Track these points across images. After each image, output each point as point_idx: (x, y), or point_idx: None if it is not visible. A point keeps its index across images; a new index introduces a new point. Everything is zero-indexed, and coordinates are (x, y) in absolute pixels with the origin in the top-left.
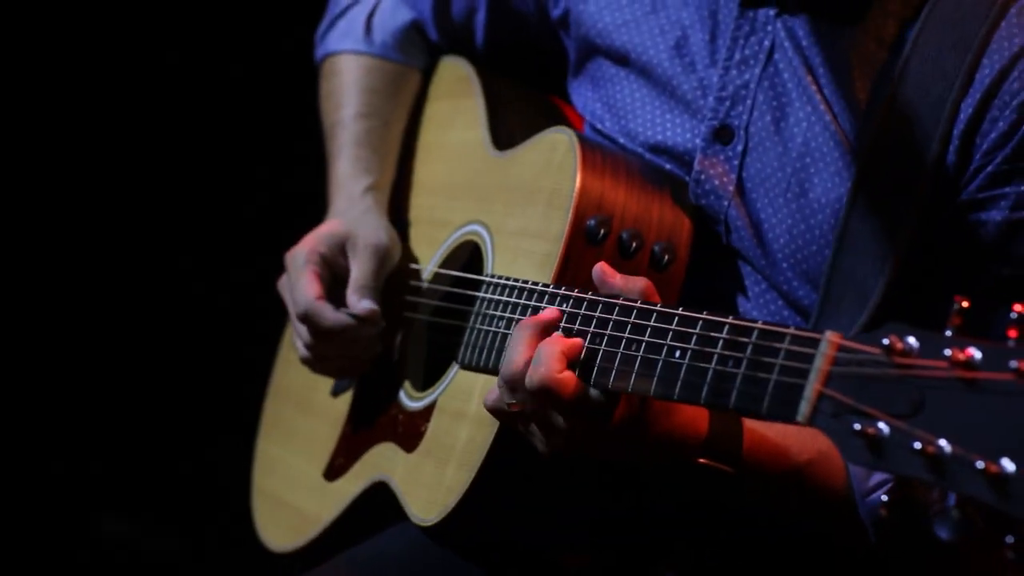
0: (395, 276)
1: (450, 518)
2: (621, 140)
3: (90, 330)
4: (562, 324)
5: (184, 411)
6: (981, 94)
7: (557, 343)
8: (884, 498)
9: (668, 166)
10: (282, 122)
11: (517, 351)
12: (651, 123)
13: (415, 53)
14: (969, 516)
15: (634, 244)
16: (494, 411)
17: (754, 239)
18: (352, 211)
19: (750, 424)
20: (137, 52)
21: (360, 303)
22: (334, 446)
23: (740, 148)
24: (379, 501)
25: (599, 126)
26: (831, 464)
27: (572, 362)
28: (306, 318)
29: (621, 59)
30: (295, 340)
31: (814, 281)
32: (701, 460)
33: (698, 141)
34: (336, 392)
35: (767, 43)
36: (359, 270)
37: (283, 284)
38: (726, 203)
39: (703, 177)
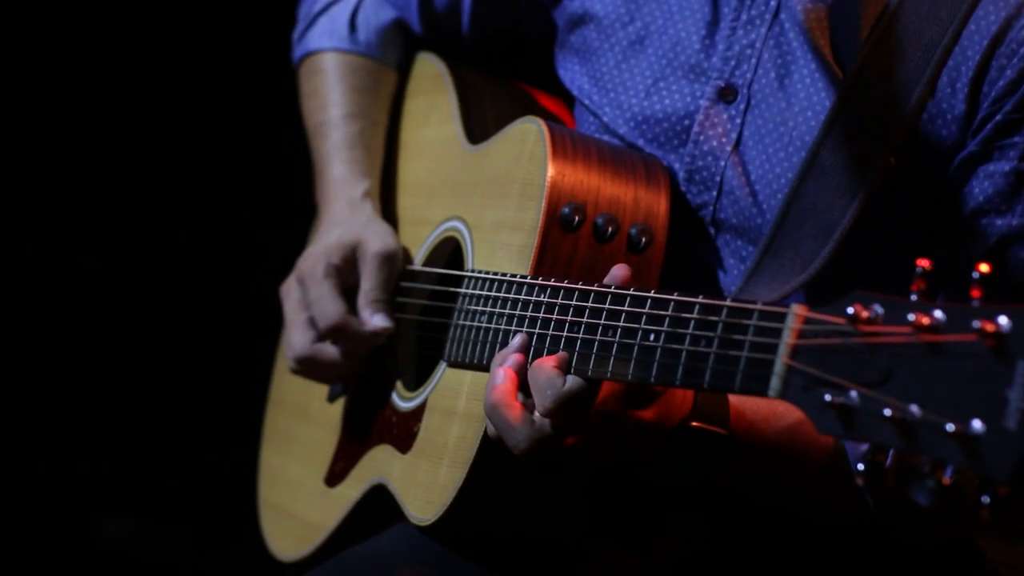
0: None
1: (447, 516)
2: (607, 111)
3: (90, 330)
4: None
5: (185, 411)
6: (988, 41)
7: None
8: (860, 467)
9: (661, 138)
10: (284, 123)
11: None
12: (645, 92)
13: (395, 52)
14: (942, 480)
15: (610, 229)
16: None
17: (749, 198)
18: (356, 218)
19: (736, 396)
20: (133, 52)
21: (373, 318)
22: (333, 452)
23: (743, 106)
24: (380, 503)
25: (586, 101)
26: None
27: (552, 351)
28: (333, 334)
29: (614, 29)
30: (287, 348)
31: None
32: (694, 423)
33: (701, 102)
34: (332, 398)
35: (773, 3)
36: (369, 281)
37: (289, 292)
38: (723, 163)
39: (702, 138)
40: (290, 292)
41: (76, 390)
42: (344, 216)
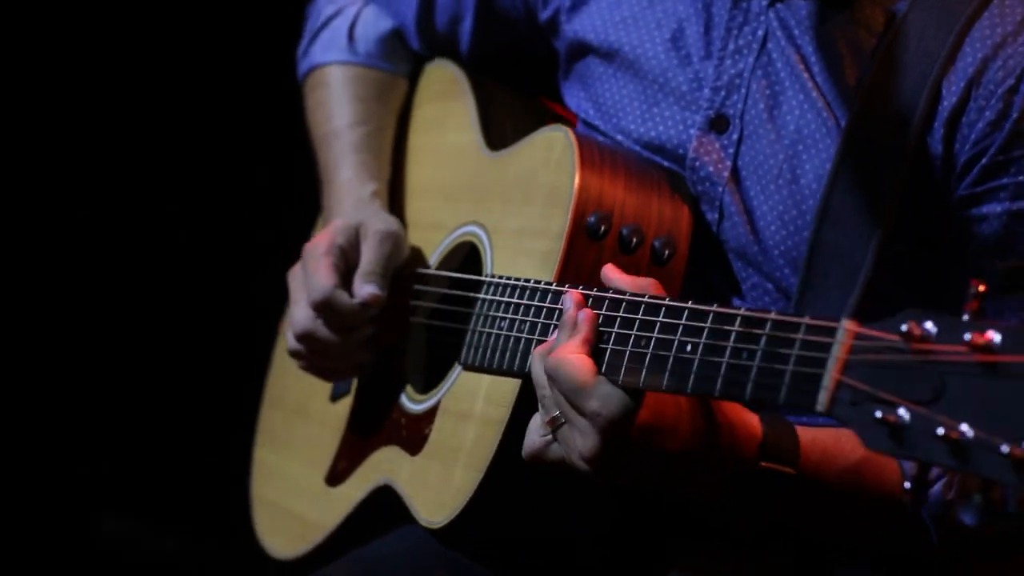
0: (395, 279)
1: (459, 519)
2: (616, 137)
3: (90, 330)
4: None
5: (185, 411)
6: (964, 82)
7: (570, 330)
8: (907, 486)
9: (664, 163)
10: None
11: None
12: (642, 119)
13: (398, 60)
14: (993, 501)
15: (635, 240)
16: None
17: (747, 226)
18: (363, 211)
19: (800, 426)
20: (130, 52)
21: (364, 288)
22: (335, 451)
23: (735, 136)
24: (383, 505)
25: (596, 125)
26: (885, 461)
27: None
28: (322, 306)
29: (610, 56)
30: (287, 333)
31: None
32: (764, 464)
33: (692, 131)
34: (335, 397)
35: (760, 32)
36: (367, 255)
37: (295, 274)
38: (720, 189)
39: (698, 164)
40: (295, 274)
41: (76, 390)
42: (351, 211)
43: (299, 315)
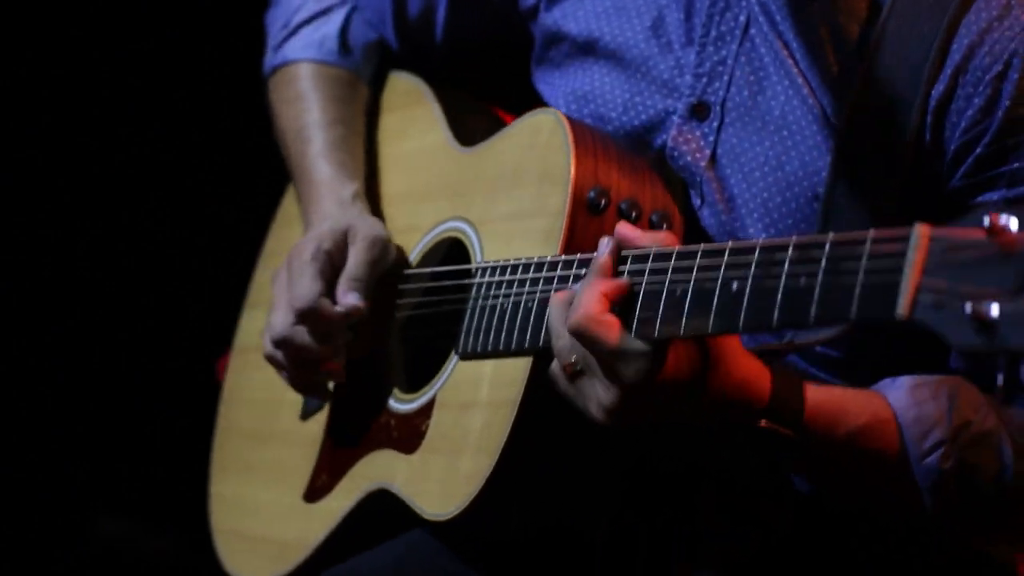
0: (376, 284)
1: (472, 507)
2: (592, 124)
3: (90, 330)
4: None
5: (185, 411)
6: (952, 69)
7: (597, 284)
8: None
9: (644, 150)
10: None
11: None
12: (623, 107)
13: (371, 68)
14: None
15: (634, 213)
16: (552, 377)
17: (727, 214)
18: (347, 212)
19: (811, 387)
20: (130, 53)
21: (346, 297)
22: (313, 467)
23: (716, 124)
24: (376, 511)
25: (570, 115)
26: (886, 428)
27: (614, 306)
28: (305, 314)
29: (591, 45)
30: (267, 330)
31: None
32: (763, 423)
33: (674, 119)
34: (306, 415)
35: (742, 18)
36: (353, 260)
37: (279, 278)
38: (699, 177)
39: (676, 153)
40: (279, 277)
41: (76, 390)
42: (335, 211)
43: (279, 320)
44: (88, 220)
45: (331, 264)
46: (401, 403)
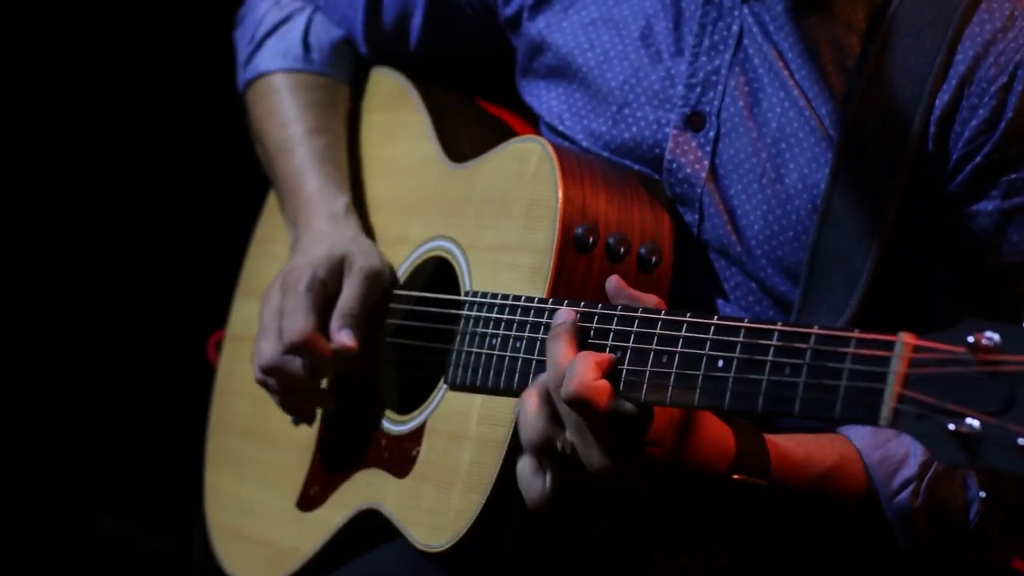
0: None
1: (462, 542)
2: (581, 139)
3: (90, 330)
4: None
5: (184, 411)
6: (956, 80)
7: (589, 354)
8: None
9: (636, 166)
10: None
11: (558, 361)
12: (613, 120)
13: (346, 67)
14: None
15: (622, 249)
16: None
17: (728, 226)
18: (343, 233)
19: (772, 437)
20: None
21: (340, 334)
22: (305, 476)
23: (712, 134)
24: (367, 528)
25: (559, 126)
26: (853, 468)
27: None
28: (295, 348)
29: (578, 57)
30: (256, 355)
31: (789, 270)
32: (736, 476)
33: (668, 130)
34: (298, 420)
35: (735, 28)
36: (347, 294)
37: (270, 299)
38: (699, 190)
39: (675, 165)
40: (270, 299)
41: (76, 390)
42: (330, 231)
43: (268, 349)
44: (88, 220)
45: (325, 294)
46: (393, 424)
